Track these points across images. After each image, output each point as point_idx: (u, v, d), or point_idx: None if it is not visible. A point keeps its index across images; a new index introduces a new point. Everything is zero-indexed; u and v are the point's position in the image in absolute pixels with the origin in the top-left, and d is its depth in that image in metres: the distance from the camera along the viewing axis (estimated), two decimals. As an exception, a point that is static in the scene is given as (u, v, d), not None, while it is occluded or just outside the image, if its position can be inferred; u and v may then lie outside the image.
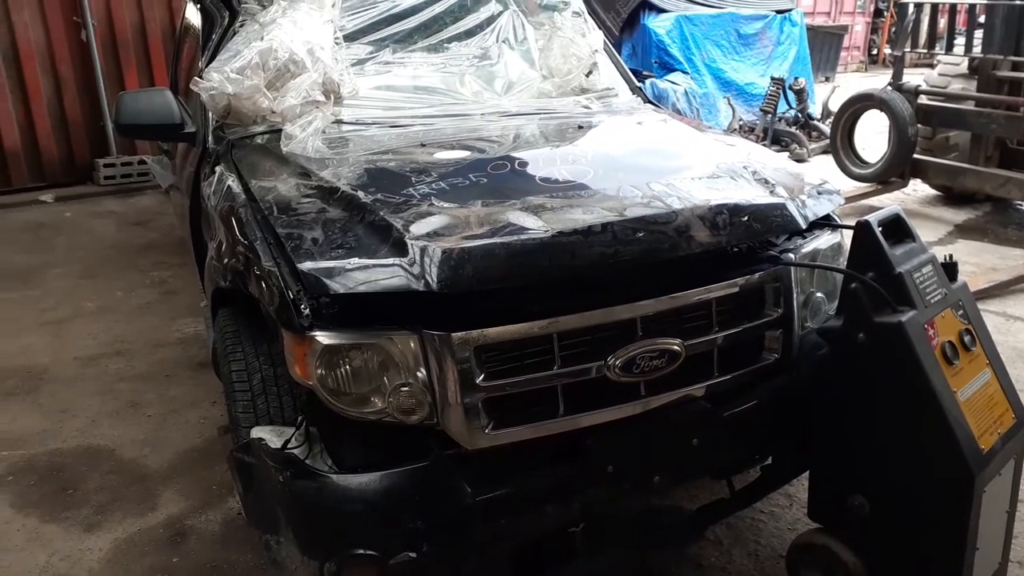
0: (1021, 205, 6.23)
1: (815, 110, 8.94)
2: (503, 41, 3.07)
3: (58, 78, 6.91)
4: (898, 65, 6.20)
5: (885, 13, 17.56)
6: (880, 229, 1.83)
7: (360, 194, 1.91)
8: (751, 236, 1.91)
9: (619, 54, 4.07)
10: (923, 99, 5.91)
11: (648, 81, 7.96)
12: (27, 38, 6.66)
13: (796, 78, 8.88)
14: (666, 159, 2.33)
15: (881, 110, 5.99)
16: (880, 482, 1.84)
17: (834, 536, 1.96)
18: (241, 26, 2.78)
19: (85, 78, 7.02)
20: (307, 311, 1.61)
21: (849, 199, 5.70)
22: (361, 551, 1.62)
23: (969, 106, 5.68)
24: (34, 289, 4.73)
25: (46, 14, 6.74)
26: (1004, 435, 1.82)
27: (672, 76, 8.61)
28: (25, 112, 6.80)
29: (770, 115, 8.34)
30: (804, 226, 2.00)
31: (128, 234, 5.92)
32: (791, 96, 8.59)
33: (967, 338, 1.86)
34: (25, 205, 6.62)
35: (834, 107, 7.64)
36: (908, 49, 6.26)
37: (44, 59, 6.81)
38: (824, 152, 7.72)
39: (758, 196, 1.99)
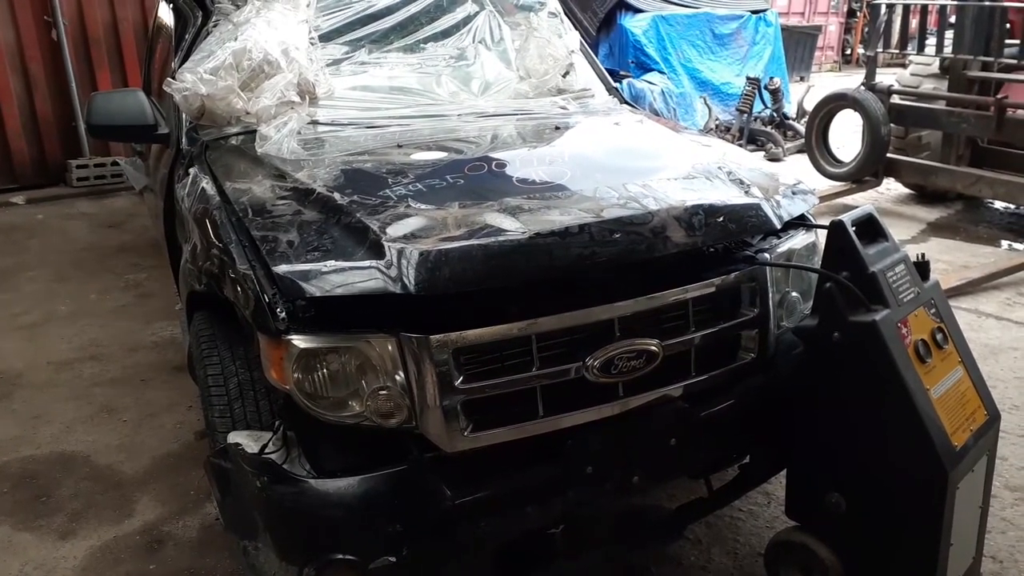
0: (992, 203, 6.34)
1: (790, 110, 9.03)
2: (479, 41, 3.06)
3: (29, 78, 6.80)
4: (871, 65, 6.28)
5: (858, 13, 17.78)
6: (854, 229, 1.85)
7: (336, 196, 1.90)
8: (727, 236, 1.93)
9: (596, 54, 4.07)
10: (896, 99, 5.99)
11: (625, 81, 7.96)
12: (-4, 37, 6.55)
13: (771, 78, 8.96)
14: (643, 160, 2.34)
15: (855, 110, 6.06)
16: (856, 480, 1.87)
17: (811, 534, 1.97)
18: (215, 26, 2.75)
19: (56, 78, 6.92)
20: (283, 314, 1.60)
21: (823, 198, 5.76)
22: (340, 556, 1.61)
23: (940, 106, 5.76)
24: (6, 293, 4.66)
25: (16, 12, 6.63)
26: (976, 432, 1.85)
27: (649, 76, 8.65)
28: (-6, 112, 6.69)
29: (746, 115, 8.41)
30: (779, 226, 2.01)
31: (102, 236, 5.84)
32: (766, 96, 8.66)
33: (939, 336, 1.89)
34: (-5, 207, 6.51)
35: (809, 107, 7.72)
36: (880, 49, 6.33)
37: (14, 58, 6.69)
38: (799, 151, 7.80)
39: (733, 196, 2.00)
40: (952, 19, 5.96)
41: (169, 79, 2.56)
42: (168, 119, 2.84)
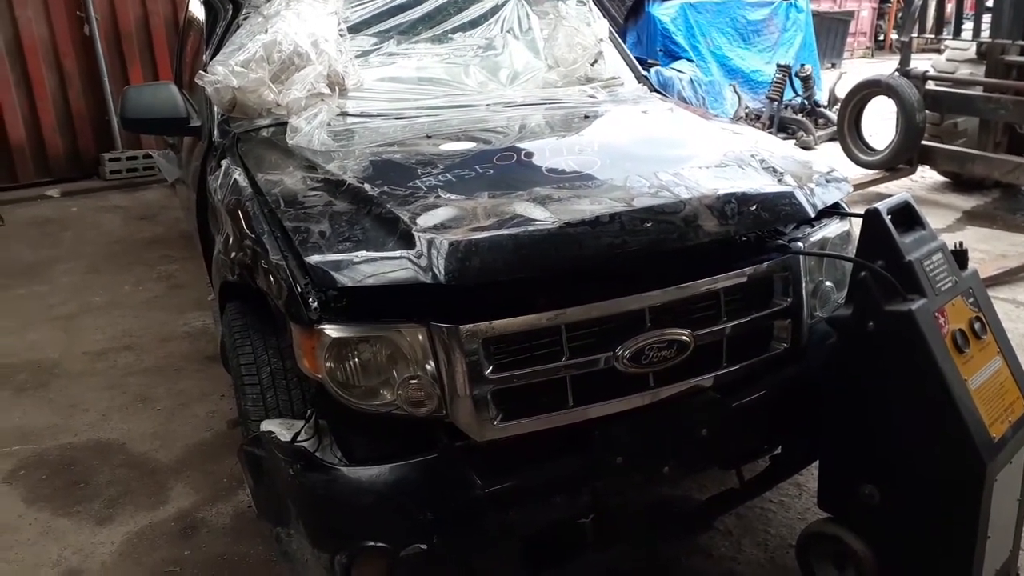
0: (1030, 191, 6.19)
1: (821, 97, 8.88)
2: (508, 31, 3.05)
3: (62, 73, 6.90)
4: (905, 51, 6.14)
5: (891, -2, 17.43)
6: (889, 217, 1.82)
7: (366, 187, 1.91)
8: (759, 225, 1.90)
9: (624, 43, 4.04)
10: (931, 85, 5.86)
11: (653, 70, 7.90)
12: (31, 32, 6.65)
13: (802, 65, 8.82)
14: (673, 148, 2.32)
15: (888, 96, 5.94)
16: (890, 471, 1.84)
17: (844, 525, 1.95)
18: (245, 19, 2.76)
19: (89, 72, 7.02)
20: (315, 304, 1.61)
21: (856, 186, 5.67)
22: (372, 543, 1.63)
23: (977, 91, 5.63)
24: (42, 284, 4.75)
25: (49, 9, 6.73)
26: (1015, 423, 1.81)
27: (677, 64, 8.56)
28: (30, 107, 6.80)
29: (776, 102, 8.28)
30: (812, 214, 1.99)
31: (134, 228, 5.93)
32: (797, 83, 8.53)
33: (977, 326, 1.85)
34: (31, 200, 6.63)
35: (841, 94, 7.58)
36: (915, 34, 6.20)
37: (48, 54, 6.80)
38: (831, 139, 7.67)
39: (766, 185, 1.98)
40: (989, 3, 5.82)
41: (201, 72, 2.59)
42: (200, 112, 2.87)
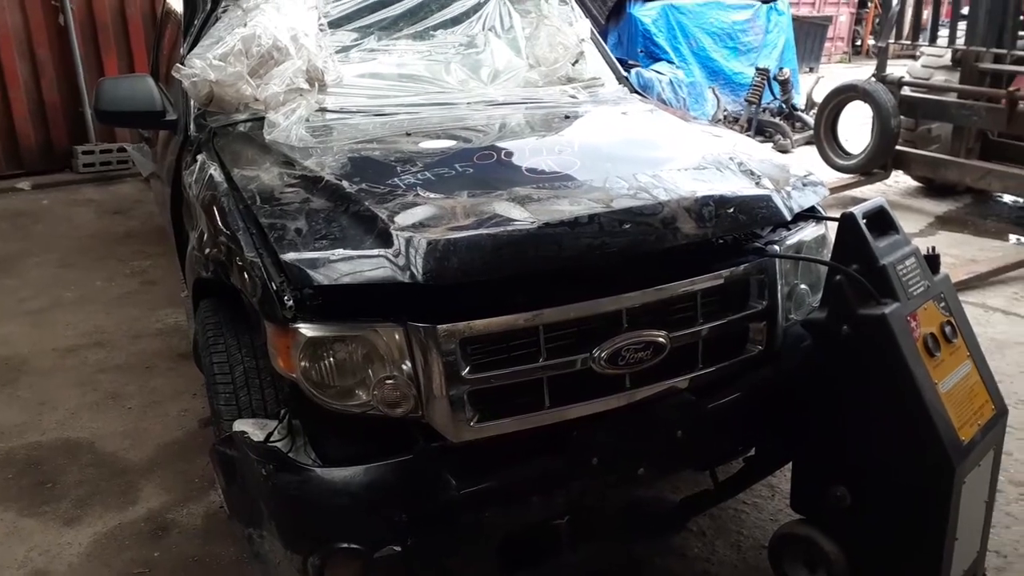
0: (1001, 197, 6.29)
1: (799, 101, 8.97)
2: (489, 29, 3.04)
3: (36, 63, 6.78)
4: (882, 56, 6.22)
5: (869, 4, 17.64)
6: (865, 221, 1.84)
7: (344, 184, 1.89)
8: (737, 228, 1.91)
9: (605, 43, 4.04)
10: (906, 90, 5.94)
11: (634, 71, 7.94)
12: (3, 21, 6.52)
13: (781, 68, 8.90)
14: (653, 150, 2.32)
15: (865, 101, 6.01)
16: (862, 473, 1.86)
17: (816, 527, 1.97)
18: (223, 12, 2.73)
19: (63, 63, 6.90)
20: (290, 303, 1.59)
21: (832, 190, 5.73)
22: (345, 545, 1.61)
23: (951, 98, 5.71)
24: (12, 278, 4.66)
25: (23, -3, 6.62)
26: (984, 426, 1.84)
27: (657, 66, 8.60)
28: (2, 97, 6.67)
29: (754, 105, 8.35)
30: (789, 218, 2.00)
31: (107, 223, 5.84)
32: (775, 87, 8.60)
33: (948, 330, 1.88)
34: (2, 193, 6.51)
35: (818, 98, 7.66)
36: (892, 40, 6.27)
37: (21, 43, 6.67)
38: (808, 143, 7.74)
39: (744, 188, 1.99)
40: (965, 10, 5.90)
41: (178, 65, 2.55)
42: (176, 105, 2.82)
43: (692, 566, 2.30)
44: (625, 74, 3.37)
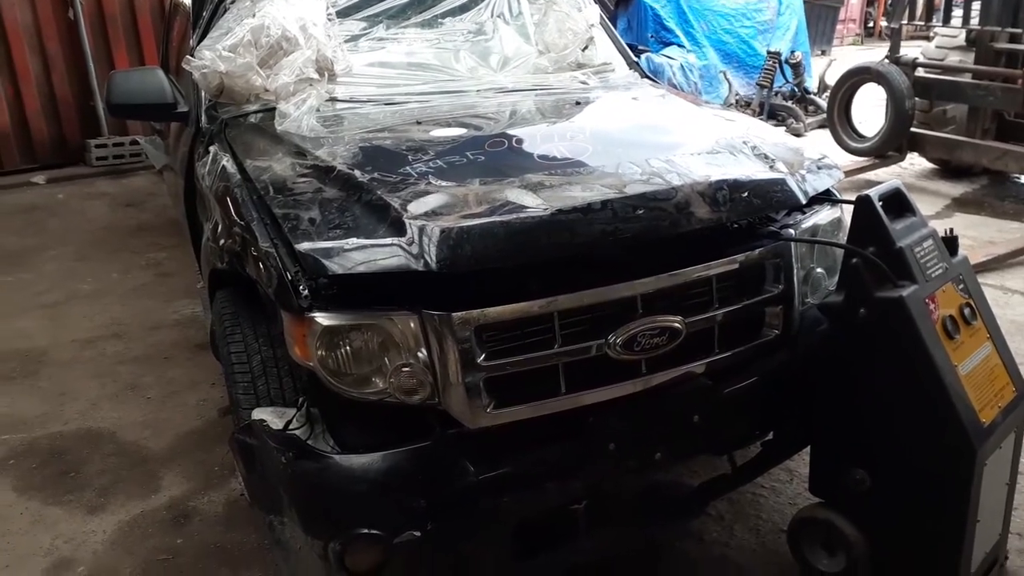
0: (1018, 178, 6.22)
1: (812, 84, 8.88)
2: (498, 16, 3.02)
3: (46, 57, 6.81)
4: (895, 38, 6.16)
5: (881, -16, 17.41)
6: (881, 204, 1.82)
7: (357, 173, 1.89)
8: (751, 212, 1.90)
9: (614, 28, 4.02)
10: (920, 72, 5.87)
11: (643, 56, 7.89)
12: (14, 16, 6.56)
13: (793, 51, 8.80)
14: (665, 135, 2.31)
15: (878, 83, 5.95)
16: (881, 456, 1.85)
17: (835, 510, 1.96)
18: (232, 3, 2.73)
19: (74, 57, 6.93)
20: (306, 292, 1.60)
21: (846, 173, 5.67)
22: (365, 530, 1.62)
23: (966, 78, 5.64)
24: (29, 272, 4.71)
25: (33, -8, 6.65)
26: (1005, 409, 1.83)
27: (668, 50, 8.52)
28: (14, 92, 6.71)
29: (766, 89, 8.28)
30: (804, 201, 1.99)
31: (121, 215, 5.88)
32: (787, 70, 8.52)
33: (967, 312, 1.86)
34: (17, 187, 6.56)
35: (831, 81, 7.59)
36: (905, 21, 6.20)
37: (32, 38, 6.71)
38: (820, 126, 7.68)
39: (758, 171, 1.97)
40: (979, -11, 5.83)
41: (188, 57, 2.56)
42: (187, 97, 2.83)
43: (710, 550, 2.30)
44: (635, 59, 3.35)
